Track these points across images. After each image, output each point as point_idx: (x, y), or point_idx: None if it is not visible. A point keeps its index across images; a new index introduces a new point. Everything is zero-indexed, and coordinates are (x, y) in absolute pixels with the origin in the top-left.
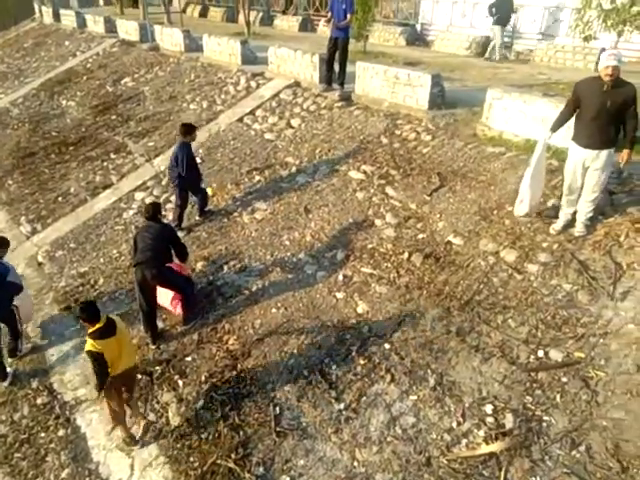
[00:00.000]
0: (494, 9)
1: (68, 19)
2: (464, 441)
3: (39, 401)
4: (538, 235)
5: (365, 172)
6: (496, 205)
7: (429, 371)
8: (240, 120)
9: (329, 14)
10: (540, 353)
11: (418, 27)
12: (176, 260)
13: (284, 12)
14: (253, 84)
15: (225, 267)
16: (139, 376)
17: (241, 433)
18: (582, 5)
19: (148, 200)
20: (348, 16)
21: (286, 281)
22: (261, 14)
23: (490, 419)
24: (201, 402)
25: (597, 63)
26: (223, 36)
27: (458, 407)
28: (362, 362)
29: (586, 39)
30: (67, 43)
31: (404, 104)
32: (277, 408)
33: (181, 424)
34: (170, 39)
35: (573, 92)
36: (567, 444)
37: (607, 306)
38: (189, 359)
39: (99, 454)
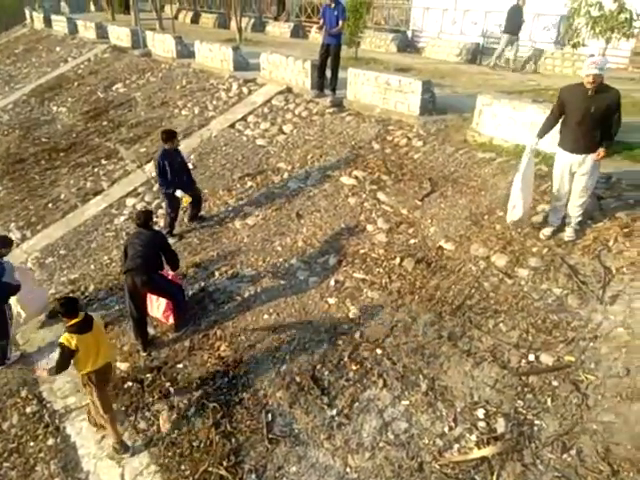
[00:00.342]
0: (505, 17)
1: (59, 25)
2: (456, 446)
3: (28, 410)
4: (528, 240)
5: (357, 178)
6: (487, 210)
7: (421, 376)
8: (232, 126)
9: (321, 21)
10: (531, 357)
11: (409, 34)
12: (167, 268)
13: (276, 18)
14: (245, 90)
15: (217, 273)
16: (129, 383)
17: (233, 440)
18: (571, 13)
19: (139, 206)
20: (340, 23)
21: (278, 287)
22: (253, 20)
23: (482, 423)
24: (192, 409)
25: None
26: (215, 42)
27: (450, 412)
28: (354, 367)
29: (575, 46)
30: (58, 49)
31: (395, 110)
32: (269, 415)
33: (172, 432)
34: (162, 45)
35: (558, 98)
36: (558, 448)
37: (597, 310)
38: (180, 366)
39: (89, 463)
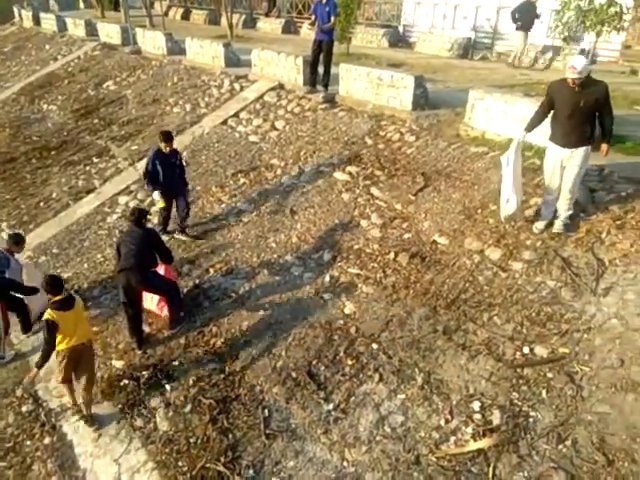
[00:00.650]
0: (517, 14)
1: (48, 23)
2: (452, 438)
3: (24, 409)
4: (522, 233)
5: (350, 173)
6: (480, 204)
7: (417, 370)
8: (224, 123)
9: (313, 17)
10: (526, 349)
11: (400, 29)
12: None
13: (267, 15)
14: (237, 87)
15: (211, 270)
16: (125, 381)
17: (230, 436)
18: (561, 6)
19: (132, 204)
20: (332, 19)
21: (273, 283)
22: (244, 17)
23: (478, 416)
24: (189, 406)
25: None
26: (206, 39)
27: (446, 405)
28: (350, 362)
29: (565, 40)
30: (48, 47)
31: (388, 105)
32: (266, 410)
33: (169, 429)
34: (152, 42)
35: (547, 93)
36: (553, 439)
37: (590, 302)
38: (176, 363)
39: (86, 461)
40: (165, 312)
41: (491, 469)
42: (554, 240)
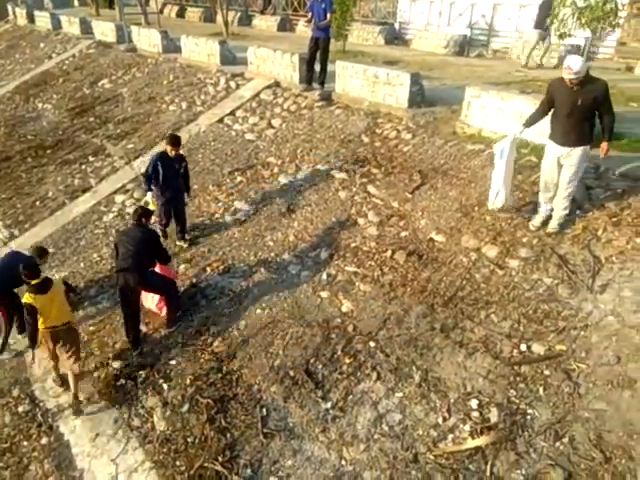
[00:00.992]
0: (536, 12)
1: (43, 20)
2: (450, 436)
3: (20, 409)
4: (518, 231)
5: (347, 171)
6: (477, 202)
7: (414, 368)
8: (220, 121)
9: (309, 14)
10: (523, 347)
11: (396, 26)
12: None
13: (262, 12)
14: (233, 84)
15: (208, 269)
16: (122, 381)
17: (228, 435)
18: (557, 3)
19: (128, 203)
20: (328, 16)
21: (270, 282)
22: (239, 14)
23: (475, 414)
24: (186, 405)
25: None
26: (201, 36)
27: (443, 403)
28: (348, 361)
29: (561, 36)
30: (42, 45)
31: (384, 103)
32: (264, 409)
33: (167, 428)
34: (148, 40)
35: (547, 91)
36: (551, 436)
37: (587, 299)
38: (173, 362)
39: (83, 461)
40: (164, 312)
41: (489, 467)
42: (550, 237)
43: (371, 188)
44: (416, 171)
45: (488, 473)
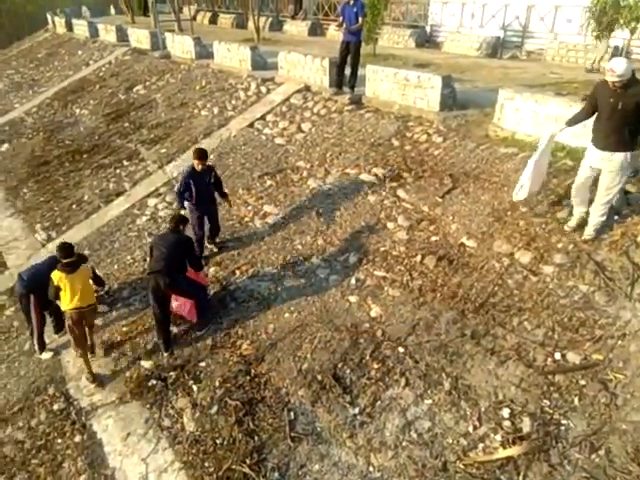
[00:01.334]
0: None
1: (80, 29)
2: (481, 445)
3: (55, 407)
4: (553, 236)
5: (376, 175)
6: (510, 206)
7: (444, 375)
8: (251, 125)
9: (340, 19)
10: (557, 355)
11: (428, 29)
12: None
13: (293, 17)
14: (263, 89)
15: (237, 272)
16: (153, 381)
17: (256, 438)
18: (593, 4)
19: (161, 206)
20: (360, 20)
21: (299, 285)
22: (270, 19)
23: (507, 423)
24: (215, 407)
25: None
26: (233, 42)
27: (474, 411)
28: (376, 366)
29: (598, 37)
30: (80, 52)
31: (415, 106)
32: (291, 413)
33: (196, 429)
34: (181, 46)
35: (591, 93)
36: (586, 448)
37: (625, 307)
38: (203, 364)
39: (115, 460)
40: (195, 320)
41: (521, 478)
42: (587, 243)
43: (401, 192)
44: (447, 175)
45: None
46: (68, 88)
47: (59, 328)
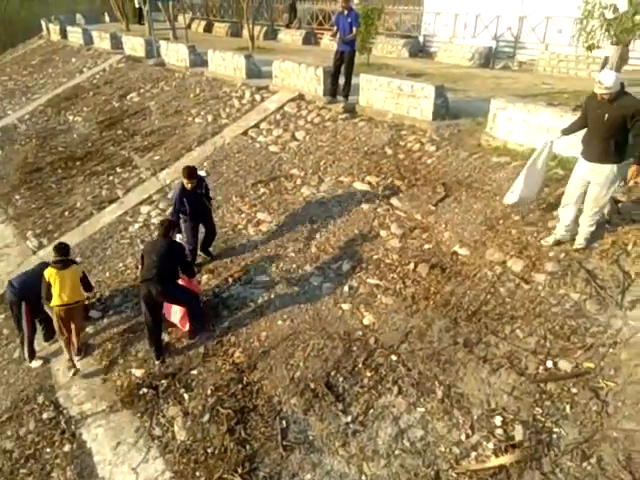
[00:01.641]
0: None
1: (75, 36)
2: (473, 454)
3: (45, 416)
4: (544, 242)
5: (370, 183)
6: (502, 215)
7: (437, 383)
8: (245, 133)
9: (334, 28)
10: (549, 363)
11: (421, 39)
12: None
13: (288, 26)
14: (258, 97)
15: (230, 279)
16: (144, 390)
17: (247, 447)
18: (584, 15)
19: (154, 214)
20: (354, 30)
21: (292, 293)
22: (265, 28)
23: (499, 431)
24: (207, 416)
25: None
26: (228, 51)
27: (467, 419)
28: (369, 374)
29: (589, 48)
30: (74, 60)
31: (408, 115)
32: (283, 421)
33: (187, 438)
34: (175, 54)
35: (583, 105)
36: (578, 456)
37: (616, 315)
38: (195, 372)
39: (104, 469)
40: (187, 328)
41: None
42: (578, 252)
43: (394, 200)
44: (440, 183)
45: None
46: (62, 95)
47: (49, 336)
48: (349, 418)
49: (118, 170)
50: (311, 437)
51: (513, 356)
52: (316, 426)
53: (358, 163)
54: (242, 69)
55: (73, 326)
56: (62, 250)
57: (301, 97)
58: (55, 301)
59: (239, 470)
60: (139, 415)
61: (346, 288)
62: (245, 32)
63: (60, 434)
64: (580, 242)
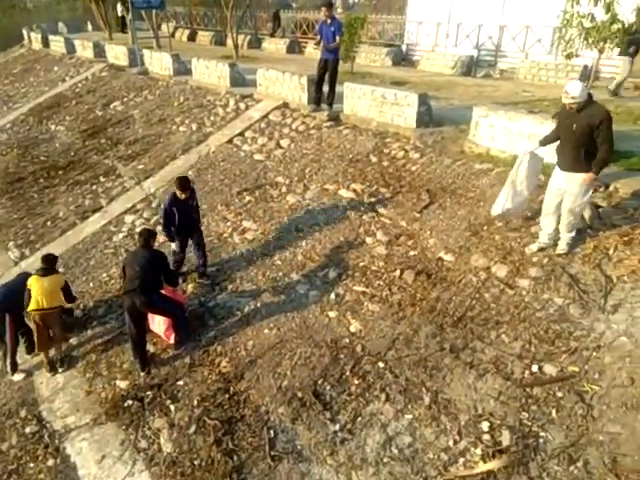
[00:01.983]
0: (632, 43)
1: (57, 45)
2: (461, 460)
3: (28, 430)
4: (528, 250)
5: (355, 191)
6: (486, 221)
7: (424, 389)
8: (230, 141)
9: (318, 37)
10: (534, 368)
11: (404, 48)
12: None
13: (272, 35)
14: (242, 106)
15: (216, 288)
16: (129, 401)
17: (235, 458)
18: (563, 24)
19: (138, 223)
20: (337, 38)
21: (278, 301)
22: (249, 37)
23: (487, 436)
24: (193, 427)
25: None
26: (212, 59)
27: (454, 425)
28: (356, 382)
29: (568, 57)
30: (56, 68)
31: (392, 123)
32: (271, 431)
33: (173, 450)
34: (159, 63)
35: (557, 116)
36: (564, 460)
37: (599, 319)
38: (181, 383)
39: None
40: (172, 340)
41: None
42: (561, 257)
43: (379, 207)
44: (424, 190)
45: None
46: (44, 104)
47: (31, 349)
48: (337, 426)
49: (102, 179)
50: (299, 446)
51: (499, 361)
52: (304, 435)
53: (343, 171)
54: (226, 77)
55: (53, 335)
56: (50, 261)
57: (285, 105)
58: (31, 305)
59: None
60: (124, 427)
61: (333, 296)
62: (229, 41)
63: (44, 448)
64: (562, 247)
